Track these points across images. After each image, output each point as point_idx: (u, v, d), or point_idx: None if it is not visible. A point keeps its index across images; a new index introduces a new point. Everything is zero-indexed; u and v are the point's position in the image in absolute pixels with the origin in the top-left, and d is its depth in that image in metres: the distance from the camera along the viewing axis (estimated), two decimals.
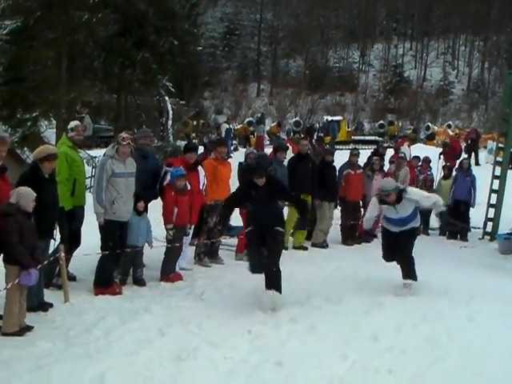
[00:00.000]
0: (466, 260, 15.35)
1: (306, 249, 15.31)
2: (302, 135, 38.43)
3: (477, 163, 32.33)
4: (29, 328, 8.49)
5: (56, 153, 9.55)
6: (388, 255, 11.67)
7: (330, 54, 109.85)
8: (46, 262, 9.42)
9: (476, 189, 19.24)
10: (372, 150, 21.83)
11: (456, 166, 20.95)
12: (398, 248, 11.36)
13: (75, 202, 10.75)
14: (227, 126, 41.90)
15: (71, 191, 10.67)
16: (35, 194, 8.47)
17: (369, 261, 13.65)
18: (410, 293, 10.94)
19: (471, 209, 19.33)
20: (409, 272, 11.19)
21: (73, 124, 11.23)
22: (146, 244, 11.62)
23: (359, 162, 17.45)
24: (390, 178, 18.48)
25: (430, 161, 21.23)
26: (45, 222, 8.93)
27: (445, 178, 19.94)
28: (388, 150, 23.48)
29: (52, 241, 9.91)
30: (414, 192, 11.52)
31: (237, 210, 13.99)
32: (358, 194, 16.86)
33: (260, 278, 10.01)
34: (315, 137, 40.68)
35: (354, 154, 17.22)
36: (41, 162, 9.27)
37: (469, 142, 35.51)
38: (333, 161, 16.60)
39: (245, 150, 16.69)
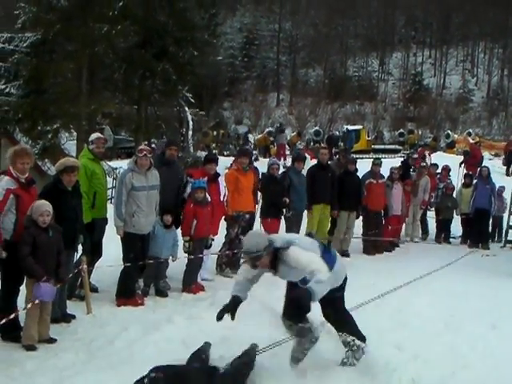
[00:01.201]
0: (488, 268, 15.31)
1: None
2: (323, 144, 38.45)
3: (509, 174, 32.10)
4: (52, 340, 8.54)
5: (75, 165, 9.45)
6: (285, 313, 8.08)
7: (349, 63, 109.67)
8: (70, 276, 9.49)
9: (496, 197, 19.18)
10: (402, 160, 21.92)
11: (477, 174, 20.87)
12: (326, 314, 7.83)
13: (95, 214, 10.77)
14: (252, 136, 42.25)
15: (91, 203, 10.68)
16: (49, 209, 8.42)
17: (389, 270, 13.62)
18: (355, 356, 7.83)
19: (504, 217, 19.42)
20: (350, 332, 7.82)
21: (93, 136, 11.21)
22: (170, 256, 11.63)
23: (381, 171, 17.39)
24: (411, 187, 18.47)
25: (450, 169, 21.19)
26: (65, 234, 8.91)
27: (466, 186, 19.84)
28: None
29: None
30: (294, 256, 7.06)
31: (258, 220, 14.04)
32: (380, 203, 16.86)
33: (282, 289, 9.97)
34: (339, 147, 40.74)
35: (376, 164, 17.20)
36: (60, 174, 9.29)
37: (507, 153, 34.94)
38: (356, 170, 16.57)
39: (267, 160, 16.58)
